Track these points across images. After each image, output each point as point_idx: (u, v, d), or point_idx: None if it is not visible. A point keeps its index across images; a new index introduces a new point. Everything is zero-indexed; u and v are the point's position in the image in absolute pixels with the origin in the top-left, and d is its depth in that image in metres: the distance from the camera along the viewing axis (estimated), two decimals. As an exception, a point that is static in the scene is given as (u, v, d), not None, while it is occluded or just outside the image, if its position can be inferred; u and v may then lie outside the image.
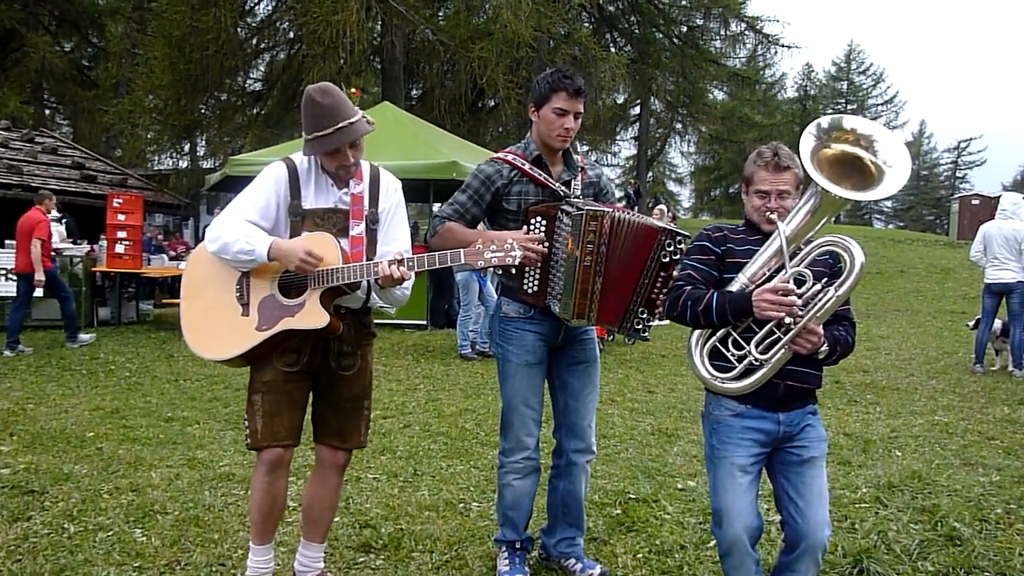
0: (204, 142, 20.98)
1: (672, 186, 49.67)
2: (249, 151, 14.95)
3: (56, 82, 25.21)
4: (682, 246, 2.66)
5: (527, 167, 2.89)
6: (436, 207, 4.10)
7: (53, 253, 9.23)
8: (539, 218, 2.78)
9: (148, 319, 11.71)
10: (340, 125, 2.52)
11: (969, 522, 3.55)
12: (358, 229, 2.68)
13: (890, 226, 49.70)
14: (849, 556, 3.14)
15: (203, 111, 18.94)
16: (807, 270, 2.26)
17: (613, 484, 4.12)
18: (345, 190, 2.68)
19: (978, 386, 7.17)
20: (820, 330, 2.24)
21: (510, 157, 2.92)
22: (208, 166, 19.42)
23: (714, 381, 2.34)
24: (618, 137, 33.46)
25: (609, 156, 36.88)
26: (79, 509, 3.66)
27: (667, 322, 3.23)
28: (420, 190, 11.55)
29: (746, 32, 24.74)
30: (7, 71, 24.47)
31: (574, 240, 2.67)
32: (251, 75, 20.06)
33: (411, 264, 2.53)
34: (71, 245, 11.11)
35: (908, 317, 12.89)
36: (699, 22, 25.29)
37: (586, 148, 27.63)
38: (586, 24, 21.77)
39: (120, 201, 11.15)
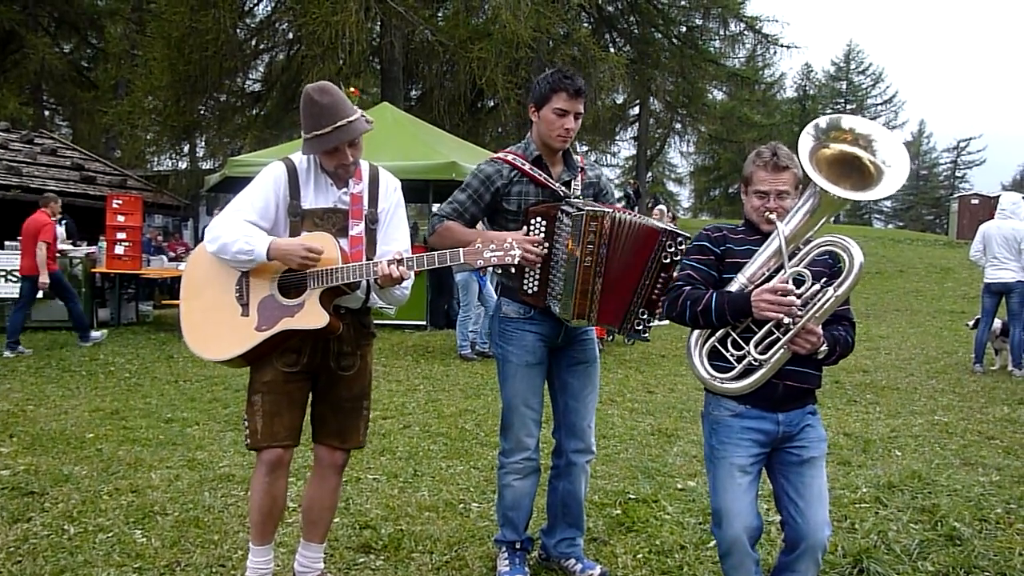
0: (203, 143, 20.98)
1: (671, 186, 49.67)
2: (248, 152, 14.94)
3: (55, 83, 25.22)
4: (683, 247, 2.66)
5: (527, 167, 2.89)
6: (436, 207, 4.10)
7: (58, 255, 9.24)
8: (539, 218, 2.78)
9: (148, 320, 11.71)
10: (339, 123, 2.53)
11: (969, 522, 3.56)
12: (357, 229, 2.68)
13: (889, 226, 49.69)
14: (849, 556, 3.14)
15: (202, 112, 18.94)
16: (806, 270, 2.26)
17: (613, 484, 4.12)
18: (344, 190, 2.68)
19: (978, 386, 7.17)
20: (819, 330, 2.24)
21: (510, 157, 2.92)
22: (207, 167, 19.40)
23: (713, 381, 2.34)
24: (617, 137, 33.52)
25: (608, 156, 36.98)
26: (79, 510, 3.66)
27: (667, 322, 3.23)
28: (419, 191, 11.52)
29: (745, 32, 24.80)
30: (6, 72, 24.47)
31: (574, 240, 2.67)
32: (250, 76, 20.08)
33: (410, 264, 2.53)
34: (71, 246, 11.12)
35: (908, 317, 12.89)
36: (698, 22, 25.31)
37: (586, 148, 27.64)
38: (585, 24, 21.77)
39: (119, 202, 11.15)
